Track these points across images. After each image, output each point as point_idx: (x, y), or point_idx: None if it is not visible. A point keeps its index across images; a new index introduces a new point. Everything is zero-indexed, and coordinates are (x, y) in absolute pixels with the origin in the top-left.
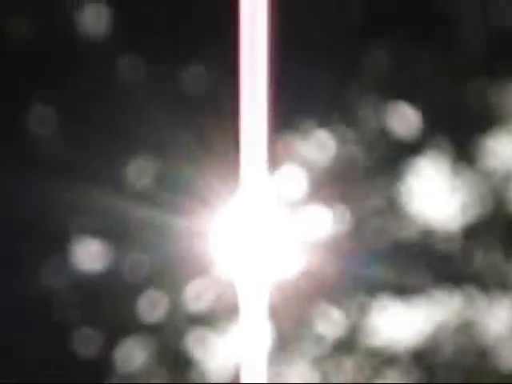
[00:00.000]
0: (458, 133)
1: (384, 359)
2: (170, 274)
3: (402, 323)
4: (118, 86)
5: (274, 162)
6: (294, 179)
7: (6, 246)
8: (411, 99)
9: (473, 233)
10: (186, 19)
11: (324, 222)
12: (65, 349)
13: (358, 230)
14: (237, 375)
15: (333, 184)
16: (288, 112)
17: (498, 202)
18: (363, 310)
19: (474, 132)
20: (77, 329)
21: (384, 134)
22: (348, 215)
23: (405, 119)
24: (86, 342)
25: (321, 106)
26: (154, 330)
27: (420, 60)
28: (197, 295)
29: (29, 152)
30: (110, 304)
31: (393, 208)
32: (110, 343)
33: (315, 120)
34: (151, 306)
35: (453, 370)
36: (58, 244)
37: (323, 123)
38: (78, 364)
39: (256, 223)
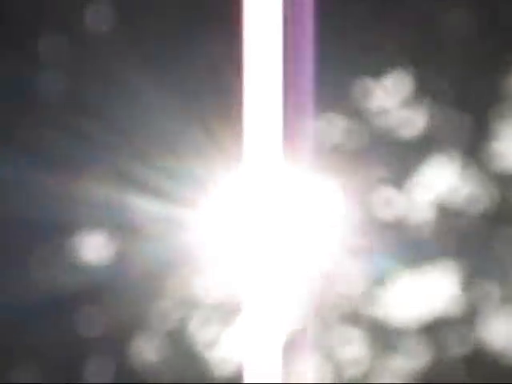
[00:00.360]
0: (468, 128)
1: (398, 339)
2: (176, 268)
3: (416, 307)
4: (120, 80)
5: (281, 153)
6: (302, 168)
7: (7, 241)
8: (422, 93)
9: (480, 226)
10: (190, 11)
11: (333, 214)
12: (71, 344)
13: (367, 220)
14: (244, 373)
15: (340, 177)
16: (295, 100)
17: (506, 196)
18: (377, 299)
19: (485, 126)
20: (81, 323)
21: (394, 127)
22: (357, 205)
23: (415, 114)
24: (90, 337)
25: (330, 94)
26: (160, 325)
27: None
28: (203, 290)
29: (32, 145)
30: (113, 299)
31: (402, 199)
32: (113, 339)
33: (323, 110)
34: (156, 301)
35: (462, 349)
36: (63, 238)
37: (331, 112)
38: (84, 359)
39: (263, 215)
